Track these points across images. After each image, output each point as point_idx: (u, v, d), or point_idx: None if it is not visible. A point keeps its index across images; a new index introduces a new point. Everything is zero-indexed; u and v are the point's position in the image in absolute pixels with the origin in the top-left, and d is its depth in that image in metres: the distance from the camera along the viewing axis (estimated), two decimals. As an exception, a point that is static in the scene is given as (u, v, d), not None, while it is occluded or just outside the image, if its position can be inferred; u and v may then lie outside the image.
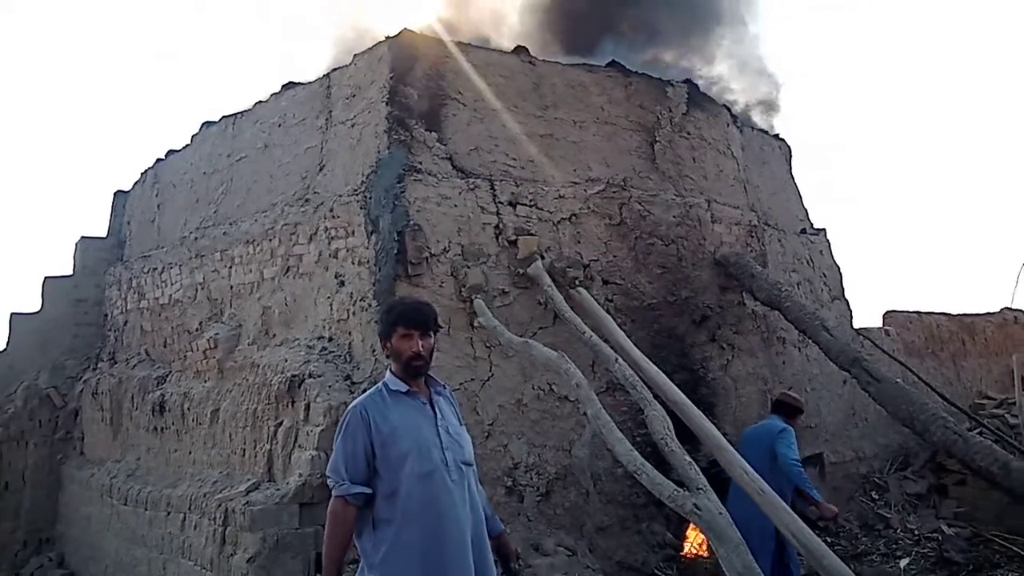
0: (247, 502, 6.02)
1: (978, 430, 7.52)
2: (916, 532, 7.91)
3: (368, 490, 3.09)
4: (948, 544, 7.31)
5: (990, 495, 7.30)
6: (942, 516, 8.21)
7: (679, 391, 5.89)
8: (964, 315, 12.91)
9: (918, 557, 7.22)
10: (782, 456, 5.70)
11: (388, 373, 3.29)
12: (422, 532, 3.03)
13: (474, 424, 6.28)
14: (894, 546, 7.55)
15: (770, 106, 11.89)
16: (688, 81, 8.87)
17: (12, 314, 11.00)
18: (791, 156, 11.00)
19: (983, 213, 39.81)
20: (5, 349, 10.96)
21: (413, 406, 3.21)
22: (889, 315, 11.62)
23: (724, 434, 5.72)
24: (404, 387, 3.22)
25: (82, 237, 11.64)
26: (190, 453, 7.84)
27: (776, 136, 10.93)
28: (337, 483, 3.09)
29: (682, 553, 6.90)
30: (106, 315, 11.06)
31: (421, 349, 3.22)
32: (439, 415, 3.24)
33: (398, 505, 3.05)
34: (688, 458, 4.90)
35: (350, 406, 3.22)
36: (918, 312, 12.03)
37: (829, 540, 7.30)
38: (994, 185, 40.31)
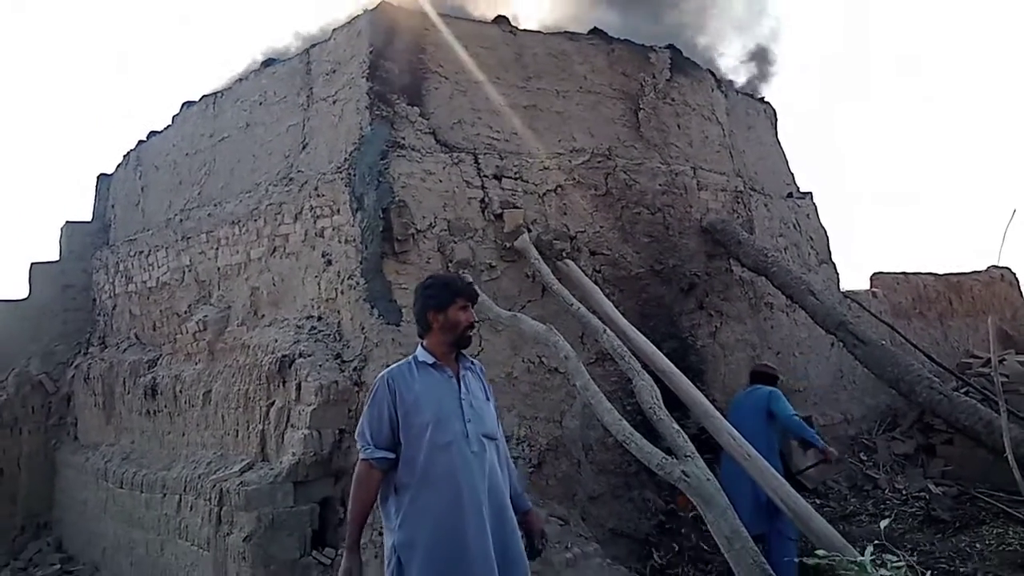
0: (241, 482, 6.07)
1: (964, 389, 7.60)
2: (904, 492, 8.02)
3: (391, 455, 3.20)
4: (935, 502, 7.42)
5: (976, 453, 7.38)
6: (930, 475, 8.31)
7: (667, 360, 5.94)
8: (951, 274, 12.98)
9: (906, 516, 7.33)
10: (781, 412, 5.89)
11: (419, 348, 3.38)
12: (439, 498, 3.13)
13: (465, 398, 6.32)
14: (882, 506, 7.66)
15: (764, 57, 11.64)
16: (671, 46, 8.78)
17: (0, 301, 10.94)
18: (776, 119, 10.96)
19: (971, 171, 39.90)
20: (-6, 336, 10.91)
21: (439, 378, 3.31)
22: (876, 277, 11.70)
23: (713, 401, 5.79)
24: (432, 359, 3.32)
25: (67, 222, 11.54)
26: (183, 435, 7.86)
27: (761, 99, 10.87)
28: (363, 447, 3.23)
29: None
30: (94, 300, 11.01)
31: (475, 319, 3.45)
32: (464, 388, 3.32)
33: (417, 472, 3.16)
34: (676, 426, 4.95)
35: (379, 376, 3.33)
36: (905, 273, 12.11)
37: (819, 502, 7.42)
38: (980, 143, 40.35)
